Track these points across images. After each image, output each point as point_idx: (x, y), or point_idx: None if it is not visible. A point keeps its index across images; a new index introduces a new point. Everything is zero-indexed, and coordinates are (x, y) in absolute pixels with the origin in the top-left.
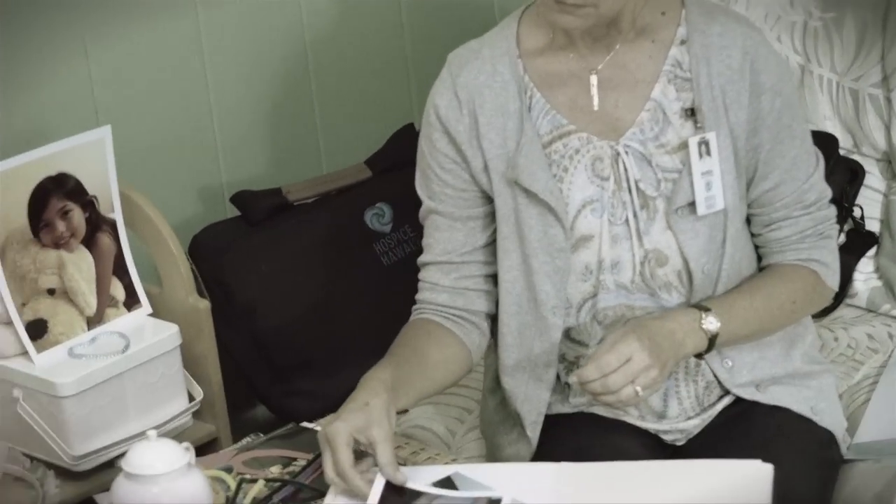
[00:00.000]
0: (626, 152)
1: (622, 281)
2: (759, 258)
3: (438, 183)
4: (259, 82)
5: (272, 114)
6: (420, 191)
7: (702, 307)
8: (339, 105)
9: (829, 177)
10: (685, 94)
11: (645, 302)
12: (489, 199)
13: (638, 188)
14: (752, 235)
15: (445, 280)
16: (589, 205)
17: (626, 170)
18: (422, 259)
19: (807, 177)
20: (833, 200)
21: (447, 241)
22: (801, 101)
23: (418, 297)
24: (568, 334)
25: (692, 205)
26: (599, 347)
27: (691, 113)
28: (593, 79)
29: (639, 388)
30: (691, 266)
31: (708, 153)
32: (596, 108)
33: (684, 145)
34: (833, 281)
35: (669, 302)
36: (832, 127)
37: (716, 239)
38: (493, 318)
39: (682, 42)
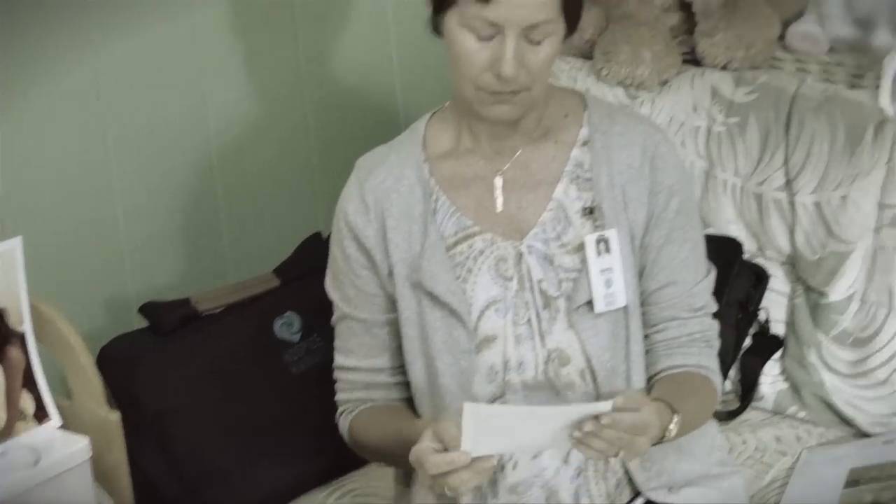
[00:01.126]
0: (530, 252)
1: (527, 380)
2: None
3: (352, 288)
4: (165, 192)
5: (179, 224)
6: (333, 294)
7: (672, 408)
8: (247, 214)
9: (735, 280)
10: (586, 193)
11: (549, 401)
12: None
13: (540, 288)
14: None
15: (378, 378)
16: (493, 305)
17: (528, 270)
18: (341, 363)
19: (695, 282)
20: (738, 304)
21: (368, 346)
22: (705, 205)
23: (348, 396)
24: None
25: (592, 303)
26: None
27: (591, 212)
28: (498, 181)
29: (623, 454)
30: (594, 364)
31: (607, 251)
32: (500, 209)
33: (584, 245)
34: (720, 389)
35: (576, 400)
36: (736, 231)
37: (619, 336)
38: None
39: (585, 143)
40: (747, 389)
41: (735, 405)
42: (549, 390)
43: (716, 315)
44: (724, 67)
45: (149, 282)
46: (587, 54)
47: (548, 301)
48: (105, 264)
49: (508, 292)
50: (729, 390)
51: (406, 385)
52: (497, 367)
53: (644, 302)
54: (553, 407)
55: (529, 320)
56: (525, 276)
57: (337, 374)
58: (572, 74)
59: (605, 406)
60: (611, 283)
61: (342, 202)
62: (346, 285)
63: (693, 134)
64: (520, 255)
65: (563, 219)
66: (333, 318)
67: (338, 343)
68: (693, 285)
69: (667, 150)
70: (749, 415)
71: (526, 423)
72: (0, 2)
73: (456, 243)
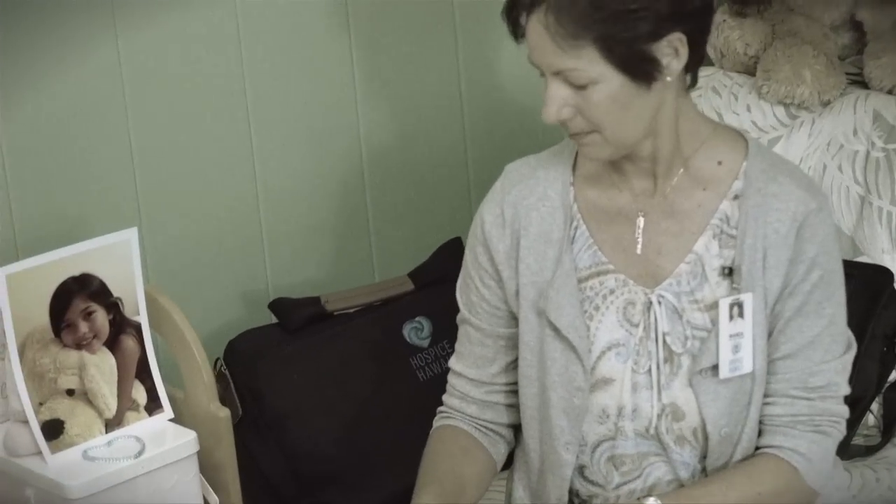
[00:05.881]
0: (659, 303)
1: (639, 429)
2: None
3: (476, 295)
4: (311, 186)
5: (324, 220)
6: (459, 296)
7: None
8: (394, 215)
9: (882, 312)
10: (727, 251)
11: (659, 451)
12: None
13: (665, 341)
14: None
15: (475, 392)
16: (614, 348)
17: (656, 320)
18: (453, 365)
19: (822, 361)
20: (885, 336)
21: (478, 356)
22: (859, 232)
23: (447, 400)
24: (581, 472)
25: (716, 367)
26: None
27: (729, 272)
28: (640, 221)
29: None
30: (708, 427)
31: (741, 315)
32: (639, 251)
33: (718, 304)
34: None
35: (682, 455)
36: (890, 261)
37: (739, 402)
38: (518, 428)
39: (736, 197)
40: (889, 425)
41: (876, 440)
42: (659, 442)
43: (858, 353)
44: (890, 91)
45: (287, 277)
46: (751, 70)
47: (671, 355)
48: (243, 257)
49: (632, 338)
50: (871, 424)
51: (503, 408)
52: (609, 411)
53: None
54: None
55: (650, 370)
56: (651, 325)
57: (448, 376)
58: (734, 90)
59: None
60: (739, 348)
61: (482, 208)
62: (471, 290)
63: (851, 158)
64: (649, 303)
65: (700, 274)
66: (458, 318)
67: (456, 345)
68: (817, 364)
69: (818, 221)
70: (889, 451)
71: None
72: None
73: (588, 277)
